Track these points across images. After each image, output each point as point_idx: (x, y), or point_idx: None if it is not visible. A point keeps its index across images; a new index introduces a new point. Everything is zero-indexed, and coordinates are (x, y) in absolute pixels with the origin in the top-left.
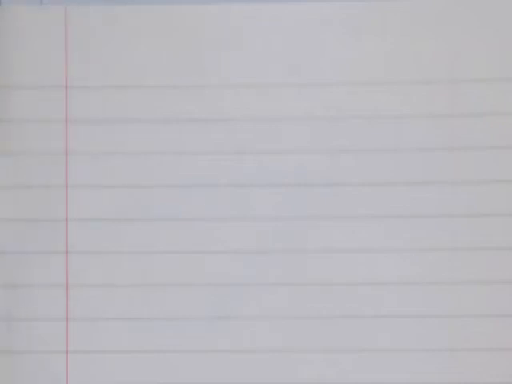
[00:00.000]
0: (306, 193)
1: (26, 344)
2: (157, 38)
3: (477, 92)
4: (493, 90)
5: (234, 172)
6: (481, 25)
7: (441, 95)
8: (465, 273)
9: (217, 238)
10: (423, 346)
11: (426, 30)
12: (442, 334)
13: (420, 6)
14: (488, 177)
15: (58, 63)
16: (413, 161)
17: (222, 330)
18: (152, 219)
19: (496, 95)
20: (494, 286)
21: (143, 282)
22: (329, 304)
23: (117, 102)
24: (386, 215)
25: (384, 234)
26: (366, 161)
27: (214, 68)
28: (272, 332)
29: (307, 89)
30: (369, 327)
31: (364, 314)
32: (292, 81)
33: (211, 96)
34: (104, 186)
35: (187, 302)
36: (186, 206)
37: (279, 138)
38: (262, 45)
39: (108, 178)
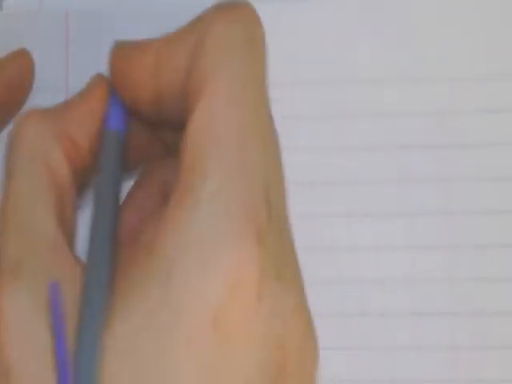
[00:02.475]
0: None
1: None
2: None
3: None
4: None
5: None
6: (481, 23)
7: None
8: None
9: None
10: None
11: (426, 28)
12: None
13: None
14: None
15: (59, 66)
16: (413, 159)
17: None
18: None
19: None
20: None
21: None
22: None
23: None
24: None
25: (384, 231)
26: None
27: None
28: None
29: (308, 87)
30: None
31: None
32: (293, 79)
33: None
34: None
35: None
36: None
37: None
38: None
39: None
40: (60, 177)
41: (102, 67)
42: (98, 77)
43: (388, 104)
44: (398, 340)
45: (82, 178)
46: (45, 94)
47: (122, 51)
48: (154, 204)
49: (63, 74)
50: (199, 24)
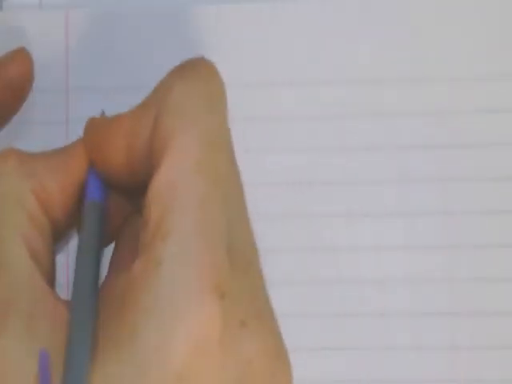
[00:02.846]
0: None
1: None
2: (158, 40)
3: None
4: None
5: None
6: (481, 23)
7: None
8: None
9: None
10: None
11: (426, 28)
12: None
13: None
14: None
15: (59, 66)
16: (413, 159)
17: None
18: None
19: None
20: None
21: None
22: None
23: (118, 105)
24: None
25: (384, 231)
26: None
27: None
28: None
29: (308, 87)
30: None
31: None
32: (292, 79)
33: None
34: None
35: None
36: None
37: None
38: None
39: None
40: (36, 220)
41: (102, 67)
42: (80, 140)
43: (388, 104)
44: (398, 340)
45: (57, 230)
46: (45, 93)
47: (96, 129)
48: (130, 257)
49: (63, 74)
50: (161, 87)
